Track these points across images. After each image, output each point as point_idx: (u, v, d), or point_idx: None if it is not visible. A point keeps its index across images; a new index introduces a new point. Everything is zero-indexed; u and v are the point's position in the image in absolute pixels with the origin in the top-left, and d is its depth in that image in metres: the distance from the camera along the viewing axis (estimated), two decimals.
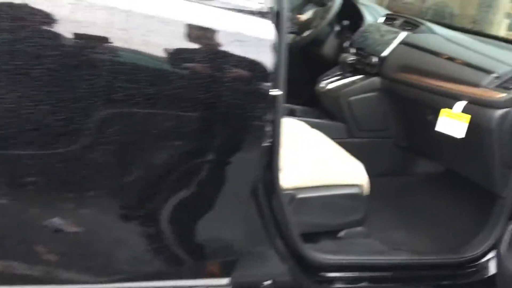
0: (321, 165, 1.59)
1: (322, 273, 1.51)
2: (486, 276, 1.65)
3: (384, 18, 2.35)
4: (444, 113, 1.70)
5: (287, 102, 2.32)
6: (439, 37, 2.03)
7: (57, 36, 0.92)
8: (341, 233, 1.63)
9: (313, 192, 1.53)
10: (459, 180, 1.95)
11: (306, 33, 2.37)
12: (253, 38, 1.07)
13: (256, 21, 1.08)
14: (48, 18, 0.90)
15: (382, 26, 2.26)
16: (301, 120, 2.04)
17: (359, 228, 1.66)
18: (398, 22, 2.24)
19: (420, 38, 2.04)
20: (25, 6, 0.89)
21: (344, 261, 1.54)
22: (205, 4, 1.05)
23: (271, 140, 1.26)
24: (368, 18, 2.37)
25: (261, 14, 1.09)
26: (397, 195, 2.14)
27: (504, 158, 1.65)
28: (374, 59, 2.09)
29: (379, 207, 1.99)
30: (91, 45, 0.95)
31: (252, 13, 1.08)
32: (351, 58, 2.19)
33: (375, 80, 2.12)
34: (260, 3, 1.09)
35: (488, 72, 1.67)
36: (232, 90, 1.07)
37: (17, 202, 1.05)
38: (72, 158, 1.00)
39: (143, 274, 1.24)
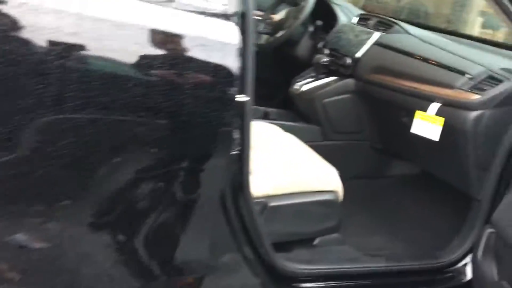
0: (293, 171, 1.54)
1: (296, 284, 1.45)
2: (463, 281, 1.63)
3: (358, 18, 2.31)
4: (418, 115, 1.67)
5: (261, 105, 2.31)
6: (413, 37, 2.00)
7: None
8: (316, 241, 1.58)
9: (285, 200, 1.48)
10: (435, 181, 1.93)
11: (279, 34, 2.32)
12: (216, 42, 1.01)
13: (220, 24, 1.02)
14: None
15: (355, 27, 2.23)
16: (274, 123, 1.98)
17: (334, 235, 1.61)
18: (371, 22, 2.20)
19: (394, 38, 2.01)
20: None
21: (318, 271, 1.49)
22: (164, 6, 0.98)
23: (239, 148, 1.20)
24: (342, 18, 2.33)
25: (225, 16, 1.02)
26: (372, 198, 2.11)
27: (479, 160, 1.63)
28: (348, 60, 2.05)
29: (355, 211, 1.96)
30: (38, 51, 0.87)
31: (215, 15, 1.02)
32: (324, 59, 2.15)
33: (349, 81, 2.09)
34: (224, 5, 1.03)
35: (462, 73, 1.64)
36: (194, 97, 1.01)
37: None
38: (18, 170, 0.92)
39: None
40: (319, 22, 2.31)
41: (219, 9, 1.03)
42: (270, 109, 2.28)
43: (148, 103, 0.98)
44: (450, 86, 1.64)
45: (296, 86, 2.22)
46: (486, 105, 1.54)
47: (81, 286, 1.13)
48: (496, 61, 1.72)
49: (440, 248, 1.69)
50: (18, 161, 0.91)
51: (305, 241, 1.58)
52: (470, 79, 1.61)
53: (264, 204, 1.43)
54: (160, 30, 0.96)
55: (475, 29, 4.79)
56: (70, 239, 1.09)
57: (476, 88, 1.58)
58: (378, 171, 2.26)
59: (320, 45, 2.27)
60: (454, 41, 2.05)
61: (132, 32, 0.93)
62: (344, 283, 1.53)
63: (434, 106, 1.63)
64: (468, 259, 1.64)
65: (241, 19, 1.08)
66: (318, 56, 2.18)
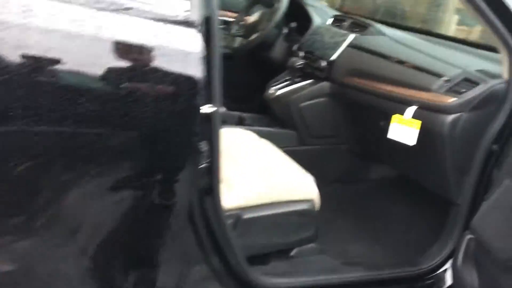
0: (268, 180, 1.48)
1: None
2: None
3: (332, 19, 2.27)
4: (395, 119, 1.64)
5: (236, 110, 2.25)
6: (388, 39, 1.96)
7: None
8: (293, 252, 1.53)
9: (260, 211, 1.42)
10: (414, 185, 1.90)
11: (253, 37, 2.26)
12: (177, 51, 0.94)
13: (182, 31, 0.96)
14: None
15: (330, 28, 2.18)
16: (249, 129, 1.92)
17: (311, 245, 1.56)
18: (346, 23, 2.16)
19: (369, 40, 1.97)
20: None
21: (296, 283, 1.44)
22: (121, 13, 0.91)
23: (208, 160, 1.14)
24: (316, 19, 2.28)
25: (187, 23, 0.96)
26: (350, 204, 2.07)
27: (457, 164, 1.60)
28: (323, 63, 2.01)
29: (333, 218, 1.92)
30: None
31: (177, 22, 0.95)
32: (299, 62, 2.10)
33: (325, 85, 2.04)
34: (186, 11, 0.96)
35: (438, 75, 1.61)
36: (155, 109, 0.94)
37: None
38: None
39: None
40: (293, 24, 2.25)
41: (181, 15, 0.96)
42: (245, 114, 2.22)
43: (107, 117, 0.92)
44: (426, 89, 1.61)
45: (271, 90, 2.17)
46: (463, 108, 1.51)
47: None
48: (472, 62, 1.69)
49: (420, 254, 1.66)
50: None
51: (282, 253, 1.53)
52: (447, 81, 1.58)
53: (237, 216, 1.38)
54: (117, 40, 0.89)
55: (451, 27, 4.80)
56: (24, 257, 1.02)
57: (453, 91, 1.55)
58: (356, 175, 2.22)
59: (295, 47, 2.22)
60: (430, 42, 2.02)
61: (86, 42, 0.86)
62: None
63: (411, 110, 1.60)
64: (448, 265, 1.61)
65: (205, 25, 1.02)
66: (293, 59, 2.13)
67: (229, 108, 2.25)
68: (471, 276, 1.38)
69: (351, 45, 1.98)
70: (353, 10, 3.19)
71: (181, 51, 0.95)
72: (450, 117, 1.53)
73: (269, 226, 1.45)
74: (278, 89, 2.14)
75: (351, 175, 2.21)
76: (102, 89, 0.89)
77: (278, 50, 2.32)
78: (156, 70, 0.92)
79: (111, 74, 0.90)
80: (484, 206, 1.42)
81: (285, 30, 2.32)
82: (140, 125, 0.96)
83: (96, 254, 1.08)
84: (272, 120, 2.23)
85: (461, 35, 4.97)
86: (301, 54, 2.15)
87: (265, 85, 2.26)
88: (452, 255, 1.58)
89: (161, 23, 0.93)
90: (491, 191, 1.44)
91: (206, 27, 1.03)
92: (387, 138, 1.65)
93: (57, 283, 1.09)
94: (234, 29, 2.45)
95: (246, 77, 2.60)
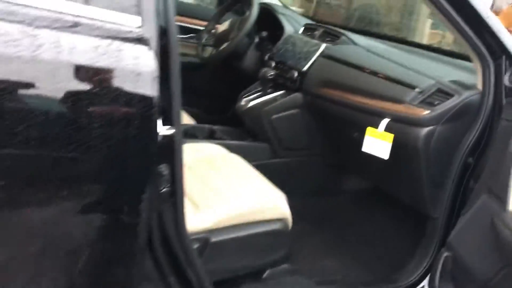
0: (238, 200, 1.41)
1: None
2: None
3: (303, 28, 2.21)
4: (369, 132, 1.59)
5: (207, 122, 2.18)
6: (360, 48, 1.92)
7: None
8: (265, 274, 1.46)
9: (229, 234, 1.34)
10: (390, 197, 1.86)
11: (223, 46, 2.19)
12: (128, 70, 0.86)
13: (134, 49, 0.88)
14: None
15: (302, 38, 2.13)
16: (220, 143, 1.85)
17: (284, 265, 1.50)
18: (317, 32, 2.11)
19: (341, 50, 1.92)
20: None
21: None
22: (65, 31, 0.83)
23: (170, 184, 1.07)
24: (288, 28, 2.23)
25: (140, 40, 0.88)
26: (325, 218, 2.02)
27: (433, 178, 1.55)
28: (295, 74, 1.95)
29: (306, 233, 1.87)
30: None
31: (128, 39, 0.88)
32: (271, 73, 2.04)
33: (297, 96, 1.98)
34: (138, 27, 0.89)
35: (411, 87, 1.57)
36: (104, 134, 0.86)
37: None
38: None
39: None
40: (264, 33, 2.19)
41: (134, 32, 0.89)
42: (216, 127, 2.14)
43: (51, 141, 0.83)
44: (399, 101, 1.56)
45: (242, 102, 2.10)
46: (437, 121, 1.47)
47: None
48: (446, 72, 1.65)
49: (397, 270, 1.61)
50: None
51: (254, 275, 1.45)
52: (420, 93, 1.53)
53: (205, 240, 1.30)
54: (60, 60, 0.81)
55: (426, 30, 4.83)
56: None
57: (426, 102, 1.51)
58: (330, 187, 2.17)
59: (266, 57, 2.16)
60: (404, 51, 1.98)
61: (22, 65, 0.77)
62: None
63: (384, 122, 1.55)
64: (425, 281, 1.56)
65: (162, 41, 0.95)
66: (264, 69, 2.07)
67: (199, 121, 2.18)
68: None
69: (323, 55, 1.92)
70: (327, 18, 3.16)
71: (133, 71, 0.87)
72: (424, 130, 1.48)
73: (240, 249, 1.38)
74: (249, 101, 2.08)
75: (325, 187, 2.15)
76: (42, 114, 0.81)
77: (249, 59, 2.26)
78: (105, 92, 0.84)
79: (55, 98, 0.81)
80: (461, 222, 1.38)
81: (257, 39, 2.26)
82: (88, 150, 0.87)
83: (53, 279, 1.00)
84: (244, 132, 2.16)
85: (435, 39, 5.02)
86: (273, 64, 2.09)
87: (237, 96, 2.20)
88: (429, 271, 1.54)
89: (111, 41, 0.85)
90: (468, 206, 1.40)
91: (163, 43, 0.96)
92: (361, 150, 1.60)
93: None
94: (204, 38, 2.38)
95: (217, 87, 2.54)
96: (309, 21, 2.34)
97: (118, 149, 0.90)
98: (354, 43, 1.96)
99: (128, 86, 0.86)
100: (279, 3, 2.56)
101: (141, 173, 0.98)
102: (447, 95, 1.49)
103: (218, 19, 2.43)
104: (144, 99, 0.88)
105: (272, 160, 2.04)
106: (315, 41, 2.02)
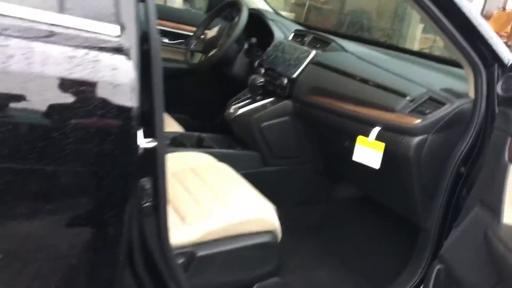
0: (225, 211, 1.37)
1: None
2: None
3: (293, 34, 2.18)
4: (360, 141, 1.55)
5: (195, 130, 2.14)
6: (351, 55, 1.89)
7: None
8: None
9: (216, 247, 1.30)
10: (381, 205, 1.82)
11: (212, 52, 2.15)
12: (106, 82, 0.82)
13: (112, 59, 0.84)
14: None
15: (292, 44, 2.09)
16: (208, 151, 1.81)
17: (274, 279, 1.45)
18: (307, 39, 2.07)
19: (331, 57, 1.89)
20: None
21: None
22: (40, 41, 0.78)
23: (152, 198, 1.03)
24: (278, 34, 2.20)
25: (118, 50, 0.84)
26: (316, 227, 1.98)
27: (425, 188, 1.52)
28: (285, 81, 1.91)
29: (297, 243, 1.84)
30: None
31: (104, 49, 0.83)
32: (260, 79, 2.00)
33: (287, 103, 1.95)
34: (116, 36, 0.85)
35: (402, 95, 1.54)
36: (81, 150, 0.82)
37: None
38: None
39: None
40: (253, 40, 2.15)
41: (112, 41, 0.84)
42: (204, 135, 2.10)
43: (25, 156, 0.79)
44: (390, 109, 1.53)
45: (231, 109, 2.06)
46: (428, 130, 1.44)
47: None
48: (437, 79, 1.63)
49: (389, 283, 1.57)
50: None
51: None
52: (411, 101, 1.50)
53: (190, 254, 1.26)
54: (32, 72, 0.77)
55: (417, 34, 4.83)
56: None
57: (417, 111, 1.48)
58: (321, 196, 2.13)
59: (256, 64, 2.12)
60: (395, 57, 1.95)
61: None
62: None
63: (375, 131, 1.52)
64: None
65: (143, 51, 0.91)
66: (253, 76, 2.03)
67: (187, 128, 2.14)
68: None
69: (313, 62, 1.89)
70: (318, 23, 3.14)
71: (110, 82, 0.82)
72: (416, 139, 1.45)
73: (227, 263, 1.33)
74: (238, 108, 2.04)
75: (316, 196, 2.12)
76: (13, 128, 0.77)
77: (238, 66, 2.22)
78: (80, 105, 0.80)
79: (26, 111, 0.77)
80: (454, 234, 1.35)
81: (246, 46, 2.22)
82: (62, 164, 0.83)
83: None
84: (233, 140, 2.13)
85: (426, 43, 5.02)
86: (262, 70, 2.05)
87: (226, 103, 2.16)
88: (421, 283, 1.50)
89: (87, 51, 0.81)
90: (461, 217, 1.37)
91: (144, 52, 0.92)
92: (352, 159, 1.57)
93: None
94: (193, 44, 2.34)
95: (206, 94, 2.50)
96: (299, 27, 2.31)
97: (94, 163, 0.86)
98: (344, 50, 1.93)
99: (105, 98, 0.82)
100: (270, 9, 2.53)
101: (120, 188, 0.94)
102: (439, 103, 1.46)
103: (207, 25, 2.39)
104: (122, 112, 0.84)
105: (262, 169, 2.00)
106: (305, 48, 1.99)
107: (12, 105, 0.76)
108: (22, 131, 0.78)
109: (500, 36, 1.38)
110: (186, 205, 1.37)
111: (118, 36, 0.85)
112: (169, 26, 2.49)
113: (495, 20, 5.80)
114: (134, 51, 0.87)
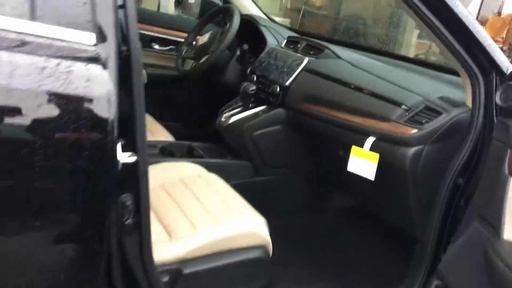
0: (214, 226, 1.31)
1: None
2: None
3: (286, 41, 2.13)
4: (354, 151, 1.50)
5: (186, 138, 2.08)
6: (345, 62, 1.84)
7: None
8: None
9: (204, 264, 1.24)
10: (377, 217, 1.77)
11: (203, 59, 2.10)
12: (78, 94, 0.77)
13: (85, 69, 0.78)
14: None
15: (285, 51, 2.05)
16: (199, 161, 1.75)
17: None
18: (301, 46, 2.03)
19: (325, 64, 1.84)
20: None
21: None
22: (11, 51, 0.73)
23: (133, 214, 0.98)
24: (271, 41, 2.15)
25: (93, 59, 0.79)
26: (309, 238, 1.93)
27: (421, 200, 1.47)
28: (277, 89, 1.86)
29: (291, 255, 1.78)
30: None
31: (78, 59, 0.78)
32: (252, 87, 1.95)
33: (280, 111, 1.90)
34: (93, 45, 0.79)
35: (397, 104, 1.49)
36: (52, 165, 0.77)
37: None
38: None
39: None
40: (245, 46, 2.10)
41: (87, 50, 0.79)
42: (195, 144, 2.05)
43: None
44: (385, 119, 1.48)
45: (223, 118, 2.00)
46: (425, 140, 1.39)
47: None
48: (434, 88, 1.58)
49: None
50: None
51: None
52: (407, 110, 1.46)
53: (177, 272, 1.20)
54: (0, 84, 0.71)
55: (413, 40, 4.80)
56: None
57: (413, 121, 1.43)
58: (315, 206, 2.08)
59: (248, 71, 2.07)
60: (390, 64, 1.91)
61: None
62: None
63: (369, 141, 1.47)
64: None
65: (122, 60, 0.86)
66: (245, 83, 1.98)
67: (178, 136, 2.08)
68: None
69: (306, 69, 1.84)
70: (313, 28, 3.10)
71: (84, 94, 0.77)
72: (411, 150, 1.40)
73: (216, 280, 1.27)
74: (230, 116, 1.99)
75: (309, 206, 2.06)
76: None
77: (230, 73, 2.17)
78: (51, 120, 0.75)
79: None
80: (452, 250, 1.30)
81: (238, 52, 2.17)
82: (35, 180, 0.78)
83: None
84: (224, 149, 2.07)
85: (421, 49, 4.99)
86: (255, 78, 2.00)
87: (217, 111, 2.11)
88: None
89: (59, 61, 0.76)
90: (459, 232, 1.32)
91: (123, 61, 0.86)
92: (346, 169, 1.52)
93: None
94: (184, 51, 2.29)
95: (197, 101, 2.45)
96: (292, 34, 2.26)
97: (69, 180, 0.80)
98: (338, 57, 1.89)
99: (78, 111, 0.76)
100: (263, 15, 2.48)
101: (98, 204, 0.88)
102: (436, 113, 1.41)
103: (199, 31, 2.34)
104: (97, 125, 0.79)
105: (254, 179, 1.95)
106: (298, 55, 1.94)
107: None
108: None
109: (496, 41, 1.34)
110: (173, 219, 1.31)
111: (95, 45, 0.80)
112: (160, 32, 2.44)
113: (491, 25, 5.78)
114: (112, 60, 0.82)
